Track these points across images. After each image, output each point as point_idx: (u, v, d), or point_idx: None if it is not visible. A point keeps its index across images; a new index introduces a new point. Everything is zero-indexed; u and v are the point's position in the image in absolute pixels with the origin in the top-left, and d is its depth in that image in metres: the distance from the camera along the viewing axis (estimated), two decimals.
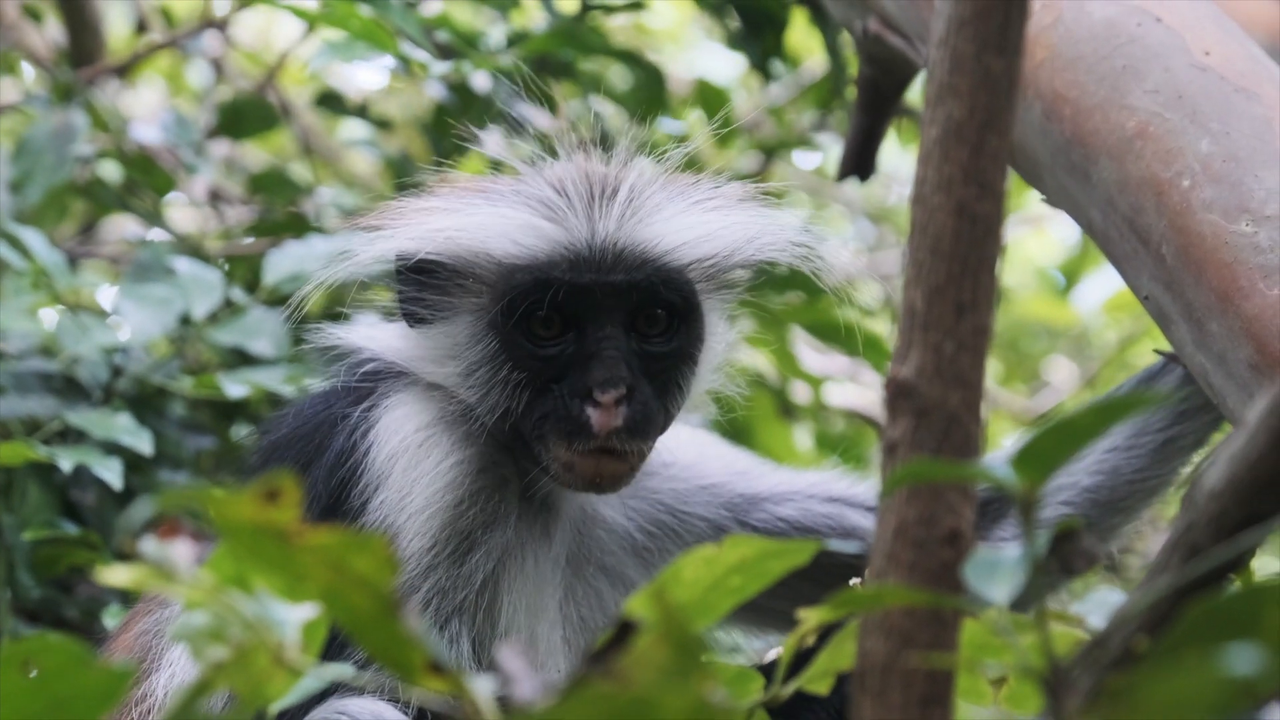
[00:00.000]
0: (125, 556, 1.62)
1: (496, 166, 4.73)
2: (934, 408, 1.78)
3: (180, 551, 1.62)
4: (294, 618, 1.66)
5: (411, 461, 2.82)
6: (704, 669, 1.53)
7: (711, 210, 2.89)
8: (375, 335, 2.96)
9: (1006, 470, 1.67)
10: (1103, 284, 7.16)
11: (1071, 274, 7.37)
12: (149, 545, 1.62)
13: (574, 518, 3.00)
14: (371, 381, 2.93)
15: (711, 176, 2.95)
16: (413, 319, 2.92)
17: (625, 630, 1.59)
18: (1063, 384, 7.44)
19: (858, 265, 2.97)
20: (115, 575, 1.60)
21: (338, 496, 2.81)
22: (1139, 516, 3.15)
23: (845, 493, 3.19)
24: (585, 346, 2.81)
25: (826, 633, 2.01)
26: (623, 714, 1.43)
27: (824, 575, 2.68)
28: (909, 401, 1.79)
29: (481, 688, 1.61)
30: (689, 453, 3.15)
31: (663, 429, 2.89)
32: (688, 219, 2.88)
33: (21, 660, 1.53)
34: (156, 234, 4.54)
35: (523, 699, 1.60)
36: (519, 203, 2.86)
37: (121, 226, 5.21)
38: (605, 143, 2.94)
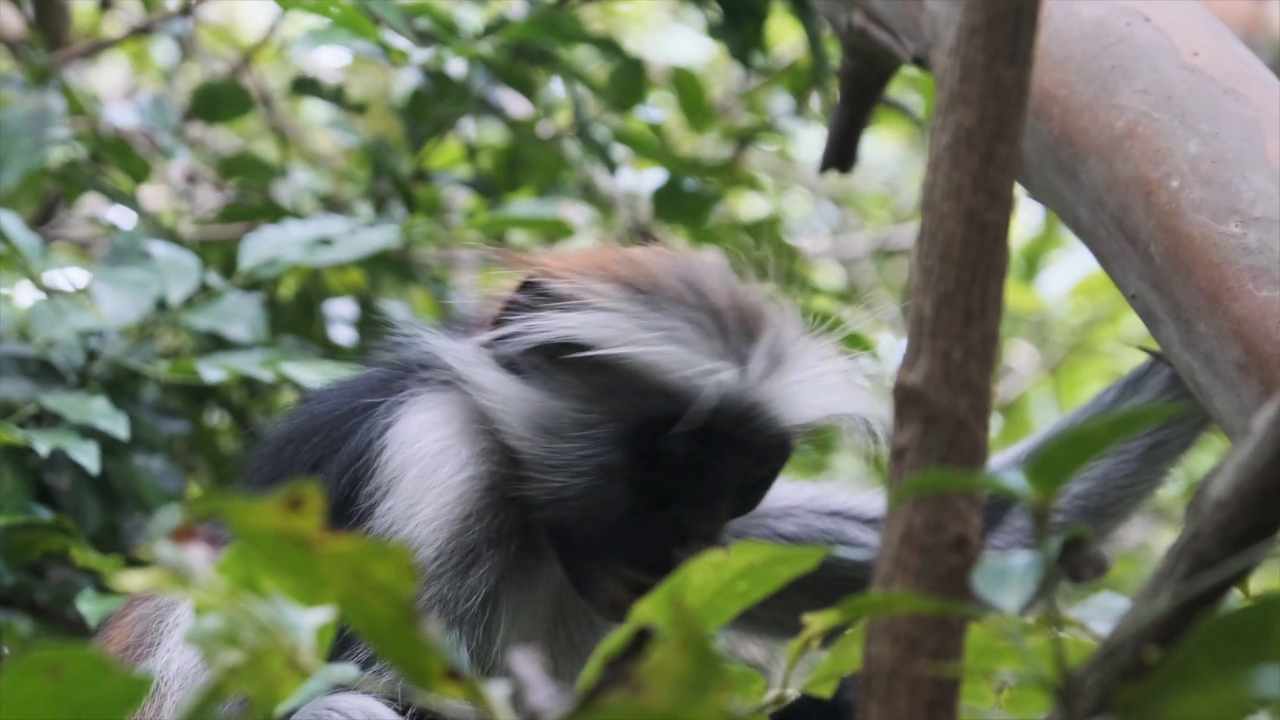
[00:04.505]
0: (139, 562, 1.62)
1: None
2: (942, 414, 1.79)
3: (196, 555, 1.62)
4: (308, 622, 1.66)
5: (425, 470, 2.80)
6: (722, 678, 1.54)
7: (837, 382, 2.88)
8: (461, 353, 2.88)
9: (1020, 480, 1.68)
10: (1067, 269, 7.18)
11: (1034, 258, 7.38)
12: (165, 549, 1.61)
13: None
14: (399, 375, 2.92)
15: (837, 336, 2.93)
16: (512, 367, 2.85)
17: (641, 637, 1.59)
18: (1024, 369, 7.46)
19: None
20: (131, 581, 1.60)
21: (348, 495, 2.80)
22: (1128, 520, 3.18)
23: (844, 506, 3.18)
24: (701, 488, 2.79)
25: (829, 637, 2.03)
26: None
27: (818, 586, 2.68)
28: (917, 407, 1.80)
29: (498, 694, 1.62)
30: None
31: None
32: (830, 395, 2.86)
33: (47, 668, 1.53)
34: (123, 216, 4.51)
35: (537, 707, 1.60)
36: (698, 330, 2.79)
37: (90, 209, 5.16)
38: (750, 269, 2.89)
